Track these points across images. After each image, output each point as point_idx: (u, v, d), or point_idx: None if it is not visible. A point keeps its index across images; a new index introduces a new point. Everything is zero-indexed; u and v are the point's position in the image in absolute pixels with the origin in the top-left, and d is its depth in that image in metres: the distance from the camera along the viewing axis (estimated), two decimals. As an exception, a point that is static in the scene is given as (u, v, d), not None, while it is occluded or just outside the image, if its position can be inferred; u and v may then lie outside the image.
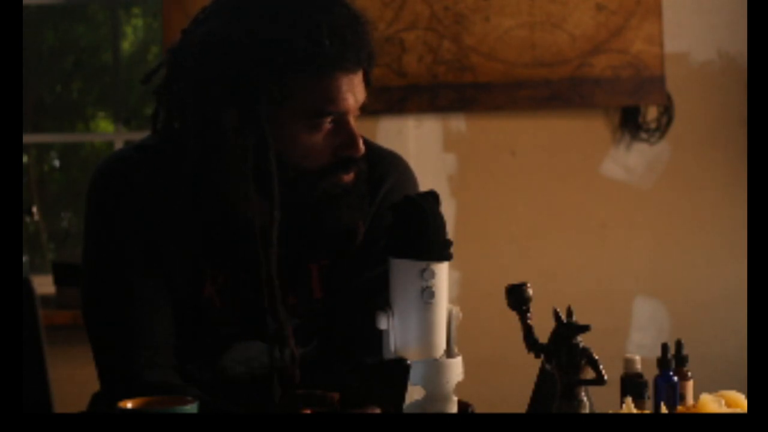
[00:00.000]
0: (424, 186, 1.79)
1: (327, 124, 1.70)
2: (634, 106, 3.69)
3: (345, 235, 1.80)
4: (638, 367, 1.81)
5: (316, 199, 1.72)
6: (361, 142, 1.72)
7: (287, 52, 1.65)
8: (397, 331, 1.51)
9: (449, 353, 1.54)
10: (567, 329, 1.53)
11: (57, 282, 3.70)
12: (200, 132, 1.72)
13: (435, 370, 1.51)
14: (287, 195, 1.71)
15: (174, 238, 1.77)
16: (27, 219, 4.25)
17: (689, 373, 1.82)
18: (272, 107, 1.67)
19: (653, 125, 3.71)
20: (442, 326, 1.53)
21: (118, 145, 4.06)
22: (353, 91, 1.70)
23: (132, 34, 4.60)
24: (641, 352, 2.73)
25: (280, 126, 1.69)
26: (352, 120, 1.71)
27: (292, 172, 1.70)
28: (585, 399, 1.53)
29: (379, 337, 1.52)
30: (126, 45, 4.51)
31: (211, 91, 1.68)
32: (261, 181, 1.70)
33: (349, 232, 1.80)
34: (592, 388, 1.54)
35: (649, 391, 1.80)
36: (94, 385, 1.87)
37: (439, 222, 1.52)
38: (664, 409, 1.70)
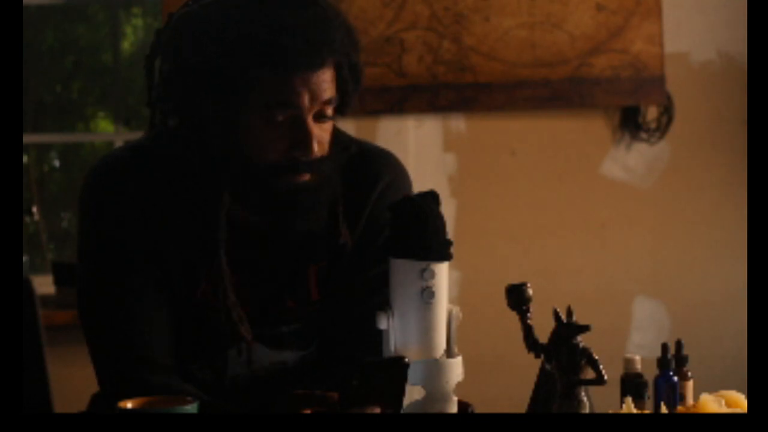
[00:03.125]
0: (424, 186, 1.79)
1: (280, 119, 1.68)
2: (634, 106, 3.69)
3: (327, 238, 1.80)
4: (638, 367, 1.81)
5: (273, 198, 1.72)
6: (315, 144, 1.69)
7: (247, 45, 1.65)
8: (397, 331, 1.51)
9: (449, 353, 1.54)
10: (567, 329, 1.53)
11: (57, 282, 3.70)
12: (181, 122, 1.73)
13: (435, 370, 1.51)
14: (246, 192, 1.71)
15: (169, 237, 1.77)
16: (27, 219, 4.25)
17: (689, 373, 1.82)
18: (233, 99, 1.67)
19: (653, 125, 3.71)
20: (442, 326, 1.53)
21: (118, 145, 4.06)
22: (311, 90, 1.67)
23: (132, 34, 4.60)
24: (641, 352, 2.73)
25: (240, 118, 1.69)
26: (310, 120, 1.69)
27: (248, 167, 1.70)
28: (585, 399, 1.53)
29: (378, 338, 1.52)
30: (126, 45, 4.51)
31: (186, 80, 1.70)
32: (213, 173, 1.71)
33: (333, 235, 1.80)
34: (592, 388, 1.54)
35: (649, 391, 1.80)
36: (94, 385, 1.87)
37: (439, 222, 1.52)
38: (664, 409, 1.70)
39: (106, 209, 1.77)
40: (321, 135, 1.72)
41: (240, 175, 1.70)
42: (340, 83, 1.73)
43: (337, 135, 1.83)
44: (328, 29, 1.68)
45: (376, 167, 1.86)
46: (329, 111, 1.72)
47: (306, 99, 1.67)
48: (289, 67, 1.66)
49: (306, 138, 1.69)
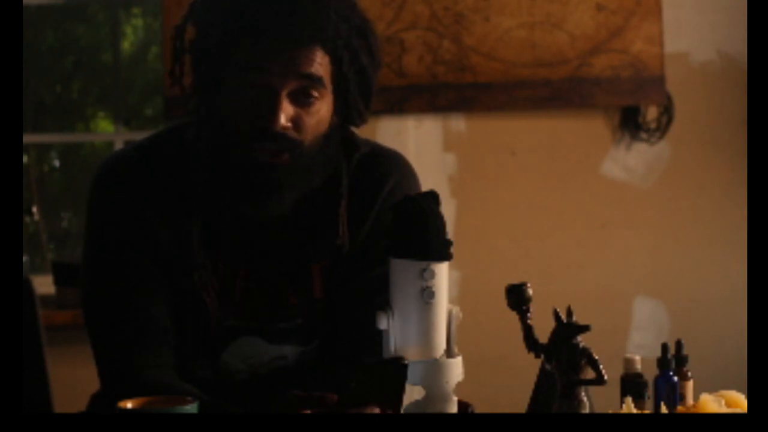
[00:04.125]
0: (424, 186, 1.80)
1: (254, 86, 1.69)
2: (634, 106, 3.69)
3: (329, 237, 1.81)
4: (638, 367, 1.81)
5: (248, 172, 1.71)
6: (282, 115, 1.69)
7: (238, 12, 1.68)
8: (397, 331, 1.51)
9: (449, 353, 1.54)
10: (567, 329, 1.53)
11: (57, 282, 3.70)
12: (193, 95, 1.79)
13: (435, 370, 1.51)
14: (226, 162, 1.72)
15: (173, 235, 1.77)
16: (27, 219, 4.25)
17: (689, 373, 1.82)
18: (218, 61, 1.71)
19: (653, 125, 3.71)
20: (442, 326, 1.53)
21: (118, 145, 4.06)
22: (289, 61, 1.68)
23: (132, 34, 4.60)
24: (641, 352, 2.73)
25: (222, 81, 1.71)
26: (282, 93, 1.69)
27: (225, 130, 1.72)
28: (585, 399, 1.53)
29: (379, 338, 1.52)
30: (126, 45, 4.51)
31: (199, 50, 1.75)
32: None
33: (332, 229, 1.81)
34: (592, 388, 1.54)
35: (649, 391, 1.80)
36: (94, 385, 1.87)
37: (439, 222, 1.52)
38: (664, 409, 1.70)
39: (110, 209, 1.78)
40: (303, 118, 1.71)
41: (217, 146, 1.72)
42: (338, 80, 1.73)
43: (349, 136, 1.83)
44: (321, 13, 1.69)
45: (385, 167, 1.87)
46: (314, 93, 1.71)
47: (279, 68, 1.68)
48: (268, 34, 1.67)
49: (273, 106, 1.69)
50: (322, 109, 1.73)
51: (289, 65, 1.68)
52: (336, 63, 1.72)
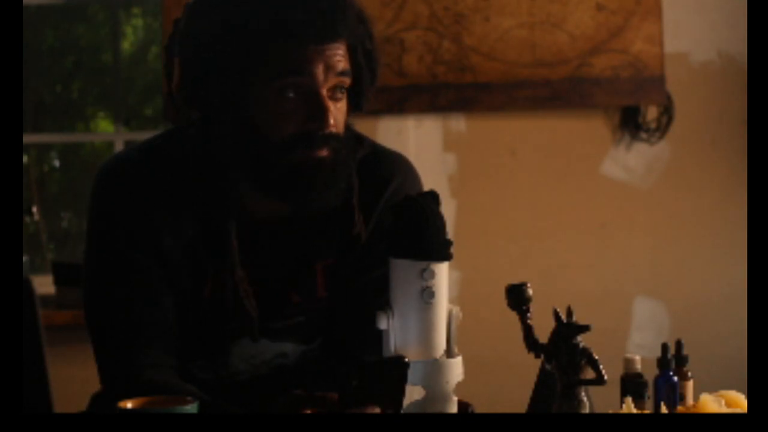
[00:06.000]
0: (424, 186, 1.80)
1: (293, 92, 1.68)
2: (634, 106, 3.69)
3: (343, 228, 1.81)
4: (638, 367, 1.81)
5: (290, 175, 1.71)
6: (331, 116, 1.69)
7: (258, 19, 1.66)
8: (397, 331, 1.51)
9: (449, 353, 1.54)
10: (567, 329, 1.53)
11: (57, 282, 3.70)
12: (199, 112, 1.74)
13: (435, 370, 1.51)
14: (263, 171, 1.71)
15: (176, 236, 1.77)
16: (27, 219, 4.25)
17: (689, 373, 1.82)
18: (245, 74, 1.68)
19: (653, 125, 3.71)
20: (442, 326, 1.53)
21: (118, 145, 4.06)
22: (325, 61, 1.68)
23: (132, 34, 4.60)
24: (641, 352, 2.73)
25: (252, 93, 1.69)
26: (324, 93, 1.69)
27: (263, 144, 1.70)
28: (585, 399, 1.53)
29: (379, 337, 1.52)
30: (126, 45, 4.51)
31: (202, 65, 1.71)
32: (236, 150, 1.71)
33: (346, 224, 1.81)
34: (592, 388, 1.54)
35: (649, 391, 1.80)
36: (94, 385, 1.87)
37: (439, 222, 1.52)
38: (664, 409, 1.70)
39: (112, 209, 1.77)
40: (336, 113, 1.72)
41: (256, 153, 1.70)
42: (354, 69, 1.73)
43: (349, 131, 1.83)
44: (341, 7, 1.69)
45: (389, 169, 1.87)
46: (346, 83, 1.71)
47: (320, 69, 1.68)
48: (302, 37, 1.66)
49: (321, 109, 1.68)
50: (344, 101, 1.74)
51: (327, 65, 1.68)
52: (352, 53, 1.73)
